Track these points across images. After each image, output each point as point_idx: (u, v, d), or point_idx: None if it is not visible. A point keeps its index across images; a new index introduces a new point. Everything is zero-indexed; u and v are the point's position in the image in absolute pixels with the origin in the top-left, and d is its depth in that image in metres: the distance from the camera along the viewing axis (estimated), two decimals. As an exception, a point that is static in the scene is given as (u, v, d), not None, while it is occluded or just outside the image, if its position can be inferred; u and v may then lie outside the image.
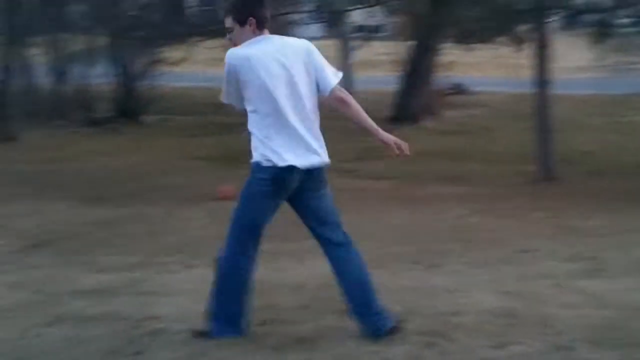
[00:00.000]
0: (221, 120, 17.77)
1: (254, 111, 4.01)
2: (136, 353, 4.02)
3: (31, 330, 4.37)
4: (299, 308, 4.75)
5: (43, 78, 18.27)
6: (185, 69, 19.93)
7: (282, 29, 17.35)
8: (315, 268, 5.88)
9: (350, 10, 20.41)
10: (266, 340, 4.17)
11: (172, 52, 18.98)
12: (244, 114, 4.06)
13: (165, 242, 6.86)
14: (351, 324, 4.22)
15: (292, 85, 3.97)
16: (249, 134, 4.03)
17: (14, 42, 16.56)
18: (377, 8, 21.32)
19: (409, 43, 19.20)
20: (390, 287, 5.23)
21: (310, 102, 4.03)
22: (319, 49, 4.05)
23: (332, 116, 4.39)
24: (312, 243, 6.62)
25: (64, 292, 5.21)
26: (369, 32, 26.14)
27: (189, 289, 5.15)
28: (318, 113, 4.09)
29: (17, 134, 14.98)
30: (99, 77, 18.28)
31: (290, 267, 5.92)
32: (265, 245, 6.55)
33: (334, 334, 4.27)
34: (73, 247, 6.51)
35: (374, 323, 4.13)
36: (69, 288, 5.30)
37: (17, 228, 6.93)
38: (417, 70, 18.43)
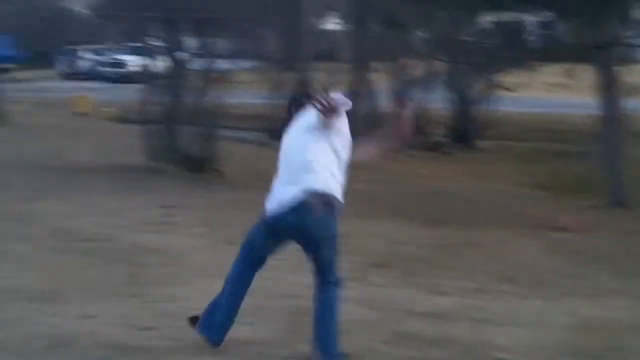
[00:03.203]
0: (556, 148, 17.34)
1: None
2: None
3: (371, 346, 4.60)
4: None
5: (383, 102, 19.06)
6: (522, 93, 19.76)
7: (622, 54, 16.55)
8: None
9: None
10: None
11: (510, 77, 18.91)
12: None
13: (499, 270, 6.87)
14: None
15: None
16: None
17: (359, 68, 17.53)
18: None
19: None
20: None
21: None
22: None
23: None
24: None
25: (402, 311, 5.44)
26: None
27: (525, 320, 5.13)
28: None
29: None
30: (436, 101, 18.68)
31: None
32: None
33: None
34: (412, 268, 6.73)
35: None
36: (408, 308, 5.52)
37: (359, 246, 7.28)
38: None
